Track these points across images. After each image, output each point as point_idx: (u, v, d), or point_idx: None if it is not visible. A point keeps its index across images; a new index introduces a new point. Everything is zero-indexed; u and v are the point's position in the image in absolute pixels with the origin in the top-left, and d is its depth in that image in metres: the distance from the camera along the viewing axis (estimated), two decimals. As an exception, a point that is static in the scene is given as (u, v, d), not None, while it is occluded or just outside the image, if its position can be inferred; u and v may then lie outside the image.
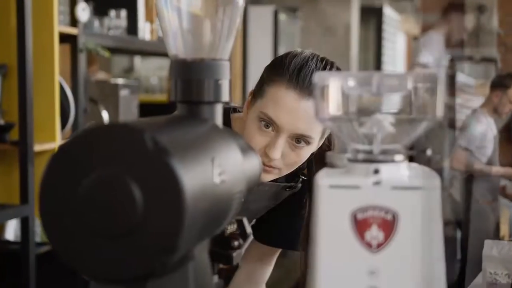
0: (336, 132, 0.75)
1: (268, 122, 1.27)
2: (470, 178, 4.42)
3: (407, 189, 0.70)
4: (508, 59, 9.96)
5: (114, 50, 3.31)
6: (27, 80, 2.44)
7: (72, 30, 2.74)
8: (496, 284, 1.92)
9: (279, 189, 1.43)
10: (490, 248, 2.00)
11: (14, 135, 2.49)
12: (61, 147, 0.66)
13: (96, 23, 3.05)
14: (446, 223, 4.63)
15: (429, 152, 4.57)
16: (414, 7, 9.88)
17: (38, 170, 2.49)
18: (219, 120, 0.85)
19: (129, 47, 3.26)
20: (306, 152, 1.29)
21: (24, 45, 2.45)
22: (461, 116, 4.55)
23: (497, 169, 4.36)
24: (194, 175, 0.67)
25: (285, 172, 1.32)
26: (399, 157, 0.73)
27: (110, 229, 0.64)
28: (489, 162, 4.34)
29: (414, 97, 0.73)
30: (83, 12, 2.72)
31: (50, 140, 2.60)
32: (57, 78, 2.59)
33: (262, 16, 5.22)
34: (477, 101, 4.52)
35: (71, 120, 2.70)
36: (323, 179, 0.72)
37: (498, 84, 4.21)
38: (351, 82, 0.74)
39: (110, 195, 0.64)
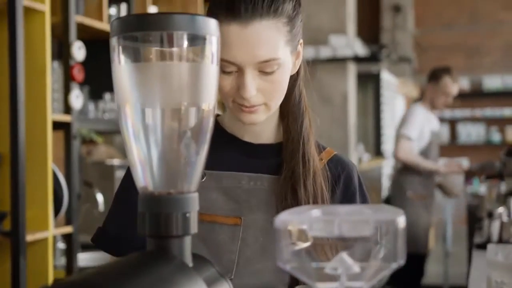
0: (300, 273, 0.75)
1: (226, 66, 1.17)
2: (402, 170, 4.40)
3: (371, 337, 0.69)
4: (423, 59, 10.10)
5: (110, 132, 3.34)
6: (20, 170, 2.45)
7: (66, 118, 2.76)
8: None
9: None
10: (494, 253, 1.81)
11: (6, 224, 2.49)
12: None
13: (91, 106, 3.08)
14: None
15: None
16: (412, 69, 9.99)
17: (30, 261, 2.47)
18: (187, 253, 0.85)
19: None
20: (281, 75, 1.20)
21: (17, 134, 2.47)
22: None
23: (429, 163, 4.34)
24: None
25: (274, 105, 1.22)
26: (365, 298, 0.72)
27: None
28: (424, 157, 4.37)
29: (376, 241, 0.72)
30: (77, 99, 2.75)
31: (43, 229, 2.59)
32: (50, 166, 2.60)
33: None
34: None
35: (65, 207, 2.69)
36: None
37: (431, 78, 4.40)
38: (315, 225, 0.73)
39: None
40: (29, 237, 2.51)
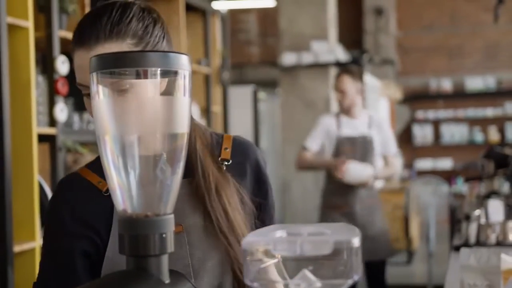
0: (266, 289, 0.82)
1: (83, 89, 1.24)
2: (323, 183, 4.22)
3: None
4: (405, 60, 10.24)
5: (95, 142, 3.40)
6: (6, 182, 2.51)
7: (51, 131, 2.82)
8: None
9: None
10: (468, 256, 1.88)
11: (-7, 236, 2.54)
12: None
13: (76, 117, 3.14)
14: None
15: None
16: (395, 71, 10.11)
17: (18, 272, 2.52)
18: (165, 270, 0.92)
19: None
20: (139, 94, 1.20)
21: (3, 147, 2.52)
22: None
23: (318, 158, 4.13)
24: None
25: None
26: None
27: None
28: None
29: (335, 259, 0.80)
30: (61, 112, 2.81)
31: (29, 239, 2.64)
32: (36, 178, 2.66)
33: (242, 96, 5.39)
34: None
35: (51, 218, 2.75)
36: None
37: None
38: (279, 246, 0.80)
39: None
40: (17, 248, 2.56)
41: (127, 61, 0.90)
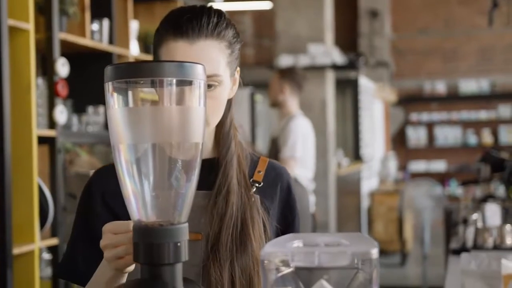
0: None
1: None
2: None
3: None
4: (400, 63, 10.28)
5: (94, 143, 3.40)
6: (6, 184, 2.50)
7: (50, 133, 2.81)
8: None
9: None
10: (468, 261, 1.88)
11: (-8, 239, 2.53)
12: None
13: (75, 119, 3.13)
14: None
15: None
16: (390, 74, 10.13)
17: (17, 273, 2.52)
18: (179, 279, 0.92)
19: (107, 142, 3.33)
20: (220, 93, 1.27)
21: (3, 149, 2.52)
22: None
23: None
24: None
25: (213, 122, 1.28)
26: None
27: None
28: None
29: (353, 269, 0.80)
30: (61, 114, 2.81)
31: (29, 241, 2.64)
32: (36, 180, 2.65)
33: (239, 98, 5.35)
34: None
35: (50, 220, 2.74)
36: None
37: None
38: (296, 256, 0.81)
39: None
40: (16, 250, 2.56)
41: (143, 70, 0.90)
